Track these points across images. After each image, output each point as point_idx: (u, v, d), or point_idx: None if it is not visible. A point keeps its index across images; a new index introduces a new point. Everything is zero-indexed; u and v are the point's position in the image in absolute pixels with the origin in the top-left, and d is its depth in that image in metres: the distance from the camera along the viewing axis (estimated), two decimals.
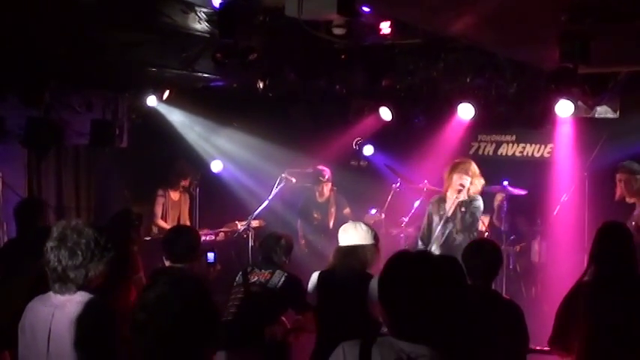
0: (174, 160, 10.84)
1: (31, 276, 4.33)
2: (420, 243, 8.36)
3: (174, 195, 10.63)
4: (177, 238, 5.94)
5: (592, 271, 4.98)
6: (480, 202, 8.10)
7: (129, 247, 6.98)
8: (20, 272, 5.16)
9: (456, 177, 8.02)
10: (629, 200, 8.44)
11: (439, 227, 8.01)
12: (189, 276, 3.03)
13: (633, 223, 8.13)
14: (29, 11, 6.64)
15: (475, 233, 8.11)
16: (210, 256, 6.46)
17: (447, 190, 8.14)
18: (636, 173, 8.37)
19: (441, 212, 8.10)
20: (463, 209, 7.98)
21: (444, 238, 7.99)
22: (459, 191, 7.96)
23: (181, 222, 10.49)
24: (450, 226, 8.01)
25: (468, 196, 7.98)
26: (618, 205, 9.39)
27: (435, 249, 7.95)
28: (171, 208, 10.60)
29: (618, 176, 8.44)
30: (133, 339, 2.90)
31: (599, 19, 5.86)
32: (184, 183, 10.61)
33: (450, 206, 7.99)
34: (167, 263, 5.84)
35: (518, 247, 9.98)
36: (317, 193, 10.49)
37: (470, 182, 7.99)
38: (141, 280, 6.95)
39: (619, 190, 8.49)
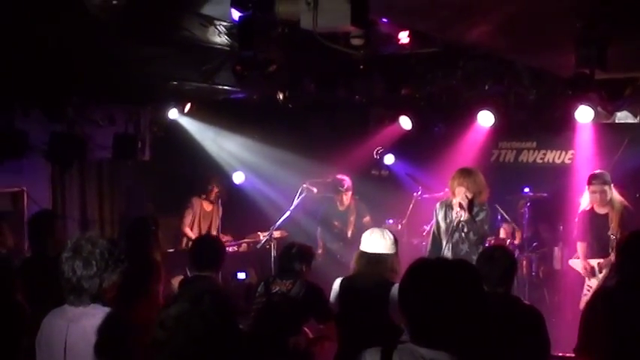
0: (196, 172, 10.93)
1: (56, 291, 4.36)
2: (430, 248, 8.27)
3: (207, 205, 10.71)
4: (202, 247, 6.28)
5: (615, 278, 4.97)
6: (484, 214, 7.89)
7: (151, 256, 7.02)
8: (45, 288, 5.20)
9: (457, 190, 7.81)
10: (601, 211, 8.45)
11: (447, 236, 7.91)
12: (211, 291, 2.87)
13: (612, 236, 8.11)
14: (51, 27, 6.72)
15: (486, 243, 8.02)
16: (241, 275, 6.58)
17: (452, 197, 7.96)
18: (609, 183, 8.37)
19: (448, 220, 7.98)
20: (466, 229, 7.82)
21: (451, 245, 7.85)
22: (460, 208, 7.76)
23: (212, 232, 10.57)
24: (457, 235, 7.87)
25: (470, 214, 7.76)
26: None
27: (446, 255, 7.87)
28: (203, 218, 10.67)
29: (592, 188, 8.42)
30: (151, 356, 2.83)
31: (614, 24, 5.87)
32: (213, 193, 10.68)
33: (455, 216, 7.84)
34: (189, 273, 5.97)
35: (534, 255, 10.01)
36: (337, 203, 10.54)
37: (472, 196, 7.77)
38: (167, 289, 6.97)
39: (592, 201, 8.50)
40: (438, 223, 8.16)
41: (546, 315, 5.42)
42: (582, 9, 5.68)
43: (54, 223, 6.77)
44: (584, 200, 8.59)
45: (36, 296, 5.25)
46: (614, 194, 8.38)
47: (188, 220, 10.56)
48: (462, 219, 7.77)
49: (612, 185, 8.41)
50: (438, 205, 8.25)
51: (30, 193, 9.45)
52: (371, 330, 5.34)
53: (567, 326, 7.40)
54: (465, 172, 7.99)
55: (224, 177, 11.19)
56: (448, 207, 8.05)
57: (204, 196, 10.64)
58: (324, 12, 4.76)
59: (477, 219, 7.82)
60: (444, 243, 7.88)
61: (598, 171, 8.64)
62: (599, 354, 4.81)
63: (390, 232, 5.96)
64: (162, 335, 2.74)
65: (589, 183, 8.48)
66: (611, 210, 8.34)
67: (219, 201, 10.79)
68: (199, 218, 10.63)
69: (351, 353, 3.19)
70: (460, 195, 7.77)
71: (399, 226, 10.53)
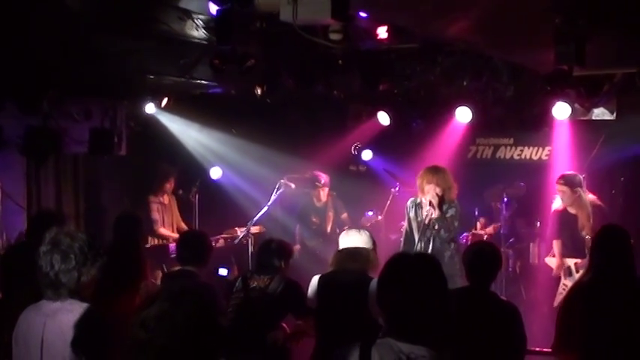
0: (173, 167, 10.86)
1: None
2: (402, 246, 8.26)
3: (164, 199, 10.60)
4: (186, 242, 6.38)
5: (590, 274, 5.01)
6: (453, 211, 7.94)
7: (138, 252, 6.98)
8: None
9: (426, 188, 7.86)
10: (572, 211, 8.52)
11: (418, 234, 7.94)
12: (190, 289, 2.84)
13: (587, 237, 8.14)
14: (27, 20, 6.65)
15: (464, 239, 8.03)
16: (223, 271, 6.57)
17: (421, 195, 8.00)
18: (572, 185, 8.44)
19: (419, 219, 8.01)
20: (437, 227, 7.87)
21: (423, 244, 7.88)
22: (430, 206, 7.78)
23: (176, 225, 10.55)
24: (428, 233, 7.90)
25: (441, 211, 7.81)
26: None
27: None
28: (165, 213, 10.59)
29: (557, 187, 8.53)
30: (133, 357, 2.77)
31: (592, 21, 5.89)
32: (169, 185, 10.59)
33: (426, 214, 7.87)
34: (165, 268, 5.96)
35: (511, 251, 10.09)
36: (314, 198, 10.55)
37: (442, 193, 7.81)
38: (146, 287, 6.94)
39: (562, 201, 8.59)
40: (409, 221, 8.21)
41: (522, 310, 5.45)
42: (561, 5, 5.69)
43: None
44: (557, 200, 8.66)
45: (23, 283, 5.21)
46: (584, 196, 8.43)
47: (157, 217, 10.48)
48: (432, 217, 7.80)
49: (584, 187, 8.47)
50: (408, 203, 8.29)
51: (4, 187, 9.33)
52: (349, 325, 5.33)
53: (543, 321, 7.45)
54: (433, 170, 8.03)
55: (201, 172, 11.13)
56: (418, 205, 8.10)
57: (162, 189, 10.53)
58: (304, 5, 4.74)
59: (447, 216, 7.86)
60: (417, 241, 7.90)
61: (568, 172, 8.70)
62: (576, 350, 4.84)
63: (369, 231, 5.98)
64: (143, 336, 2.69)
65: (556, 182, 8.56)
66: (580, 211, 8.40)
67: (197, 197, 10.72)
68: (162, 214, 10.56)
69: (328, 348, 3.18)
70: (430, 192, 7.80)
71: (380, 217, 10.55)
